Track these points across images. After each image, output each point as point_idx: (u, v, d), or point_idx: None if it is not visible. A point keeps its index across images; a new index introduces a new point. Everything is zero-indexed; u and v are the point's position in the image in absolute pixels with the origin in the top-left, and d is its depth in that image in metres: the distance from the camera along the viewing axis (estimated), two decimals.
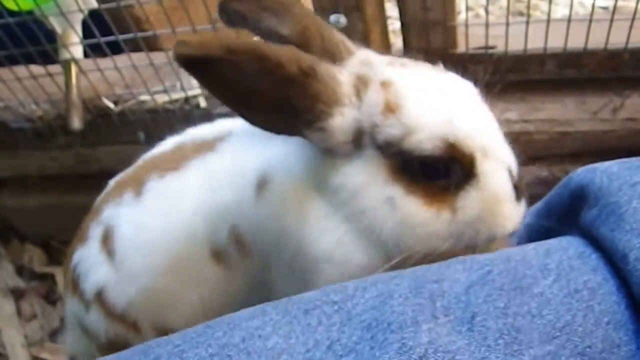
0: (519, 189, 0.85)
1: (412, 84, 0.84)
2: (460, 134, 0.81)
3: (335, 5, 1.25)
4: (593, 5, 1.29)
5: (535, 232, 0.92)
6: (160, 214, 1.00)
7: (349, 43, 0.90)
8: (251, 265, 0.97)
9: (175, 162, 1.01)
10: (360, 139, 0.84)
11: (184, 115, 1.46)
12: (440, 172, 0.82)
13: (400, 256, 0.83)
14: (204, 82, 0.81)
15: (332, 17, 1.27)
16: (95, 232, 1.07)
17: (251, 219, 0.93)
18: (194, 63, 0.77)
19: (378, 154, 0.83)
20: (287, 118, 0.83)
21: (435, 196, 0.82)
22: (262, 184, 0.90)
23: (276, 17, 0.88)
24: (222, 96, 0.82)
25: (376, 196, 0.84)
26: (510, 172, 0.84)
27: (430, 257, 0.82)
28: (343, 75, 0.84)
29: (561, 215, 0.87)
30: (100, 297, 1.05)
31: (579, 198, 0.83)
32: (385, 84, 0.83)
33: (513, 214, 0.85)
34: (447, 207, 0.82)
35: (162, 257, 0.99)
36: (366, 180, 0.84)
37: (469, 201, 0.83)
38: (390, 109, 0.82)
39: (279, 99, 0.81)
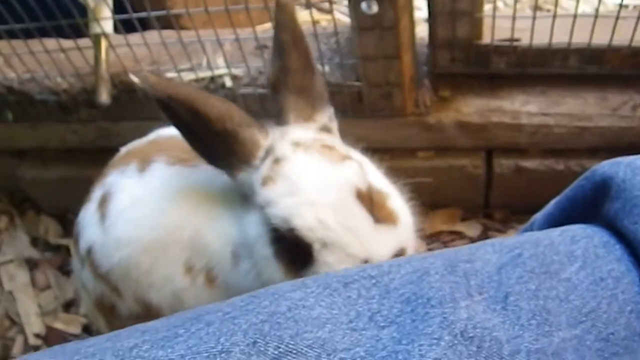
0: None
1: (297, 169, 0.94)
2: (301, 223, 0.91)
3: None
4: (621, 4, 1.30)
5: (557, 223, 0.94)
6: (157, 198, 1.06)
7: (318, 108, 1.02)
8: (216, 296, 1.03)
9: (186, 153, 1.06)
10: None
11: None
12: (291, 247, 0.92)
13: None
14: (166, 113, 0.96)
15: (363, 4, 1.28)
16: (97, 194, 1.14)
17: (231, 279, 1.01)
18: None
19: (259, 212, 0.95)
20: (221, 161, 0.99)
21: (291, 267, 0.93)
22: (236, 257, 1.00)
23: (280, 60, 1.02)
24: (179, 128, 0.98)
25: (261, 251, 0.95)
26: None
27: None
28: (266, 141, 0.98)
29: (583, 206, 0.89)
30: (89, 255, 1.12)
31: (602, 190, 0.85)
32: (277, 160, 0.95)
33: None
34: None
35: (147, 237, 1.05)
36: (252, 232, 0.96)
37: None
38: (265, 182, 0.94)
39: (212, 144, 0.96)
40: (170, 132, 1.14)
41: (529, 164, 1.52)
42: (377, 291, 0.73)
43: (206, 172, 1.04)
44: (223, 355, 0.66)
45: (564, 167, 1.51)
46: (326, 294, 0.73)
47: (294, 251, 0.92)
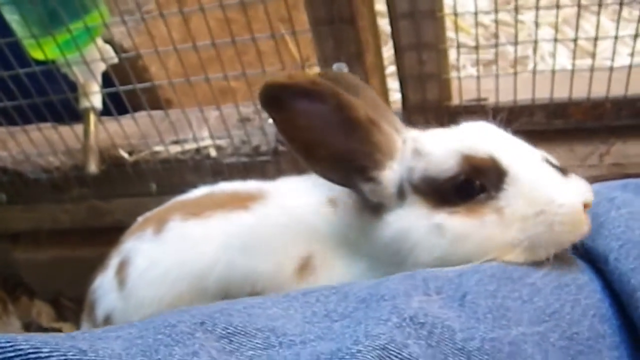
0: (560, 168, 0.88)
1: (430, 135, 0.94)
2: (471, 143, 0.88)
3: (337, 54, 1.35)
4: (572, 69, 1.39)
5: None
6: (175, 253, 1.06)
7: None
8: None
9: (199, 208, 1.07)
10: (403, 189, 0.91)
11: (195, 165, 1.53)
12: (470, 188, 0.87)
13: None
14: (278, 118, 0.89)
15: (335, 66, 1.36)
16: (113, 262, 1.13)
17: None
18: (276, 97, 0.86)
19: (418, 196, 0.90)
20: (345, 166, 0.92)
21: (476, 207, 0.87)
22: (304, 267, 0.97)
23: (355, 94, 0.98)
24: (292, 138, 0.90)
25: (424, 227, 0.89)
26: (545, 158, 0.89)
27: None
28: (397, 137, 0.94)
29: None
30: (107, 322, 1.10)
31: None
32: (414, 140, 0.93)
33: (567, 188, 0.85)
34: (490, 211, 0.86)
35: (170, 294, 1.04)
36: (413, 219, 0.90)
37: (511, 197, 0.85)
38: (417, 152, 0.91)
39: (343, 144, 0.90)
40: (185, 196, 1.16)
41: None
42: (336, 297, 0.77)
43: (223, 219, 1.04)
44: (168, 328, 0.68)
45: None
46: (284, 299, 0.77)
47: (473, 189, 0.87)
